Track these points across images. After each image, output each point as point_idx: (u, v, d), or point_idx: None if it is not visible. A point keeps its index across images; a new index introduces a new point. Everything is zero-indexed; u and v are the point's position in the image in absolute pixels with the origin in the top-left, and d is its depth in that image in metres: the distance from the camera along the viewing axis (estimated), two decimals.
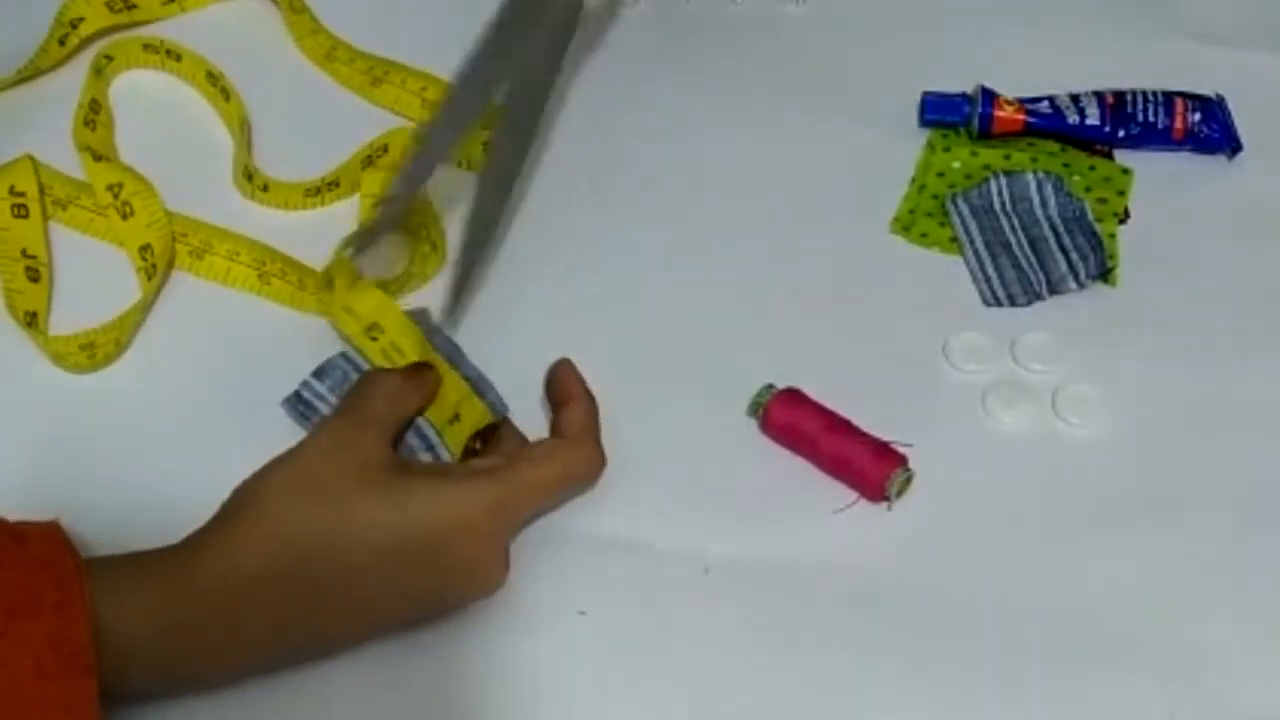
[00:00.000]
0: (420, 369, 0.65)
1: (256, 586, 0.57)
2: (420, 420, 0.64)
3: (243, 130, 0.77)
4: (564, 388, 0.67)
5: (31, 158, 0.72)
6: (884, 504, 0.66)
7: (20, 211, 0.71)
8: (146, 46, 0.79)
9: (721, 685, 0.61)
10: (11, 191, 0.71)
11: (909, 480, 0.67)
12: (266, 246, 0.72)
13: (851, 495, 0.66)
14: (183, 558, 0.58)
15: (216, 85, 0.78)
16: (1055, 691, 0.62)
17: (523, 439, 0.67)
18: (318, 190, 0.75)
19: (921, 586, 0.64)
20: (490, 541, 0.61)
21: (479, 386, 0.67)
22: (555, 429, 0.66)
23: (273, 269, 0.72)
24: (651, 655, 0.62)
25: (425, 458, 0.64)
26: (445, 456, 0.64)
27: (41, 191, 0.72)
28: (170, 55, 0.79)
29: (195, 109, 0.79)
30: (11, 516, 0.56)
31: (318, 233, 0.73)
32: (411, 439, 0.64)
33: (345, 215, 0.76)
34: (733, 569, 0.64)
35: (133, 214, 0.72)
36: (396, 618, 0.61)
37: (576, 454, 0.64)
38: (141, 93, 0.79)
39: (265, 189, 0.75)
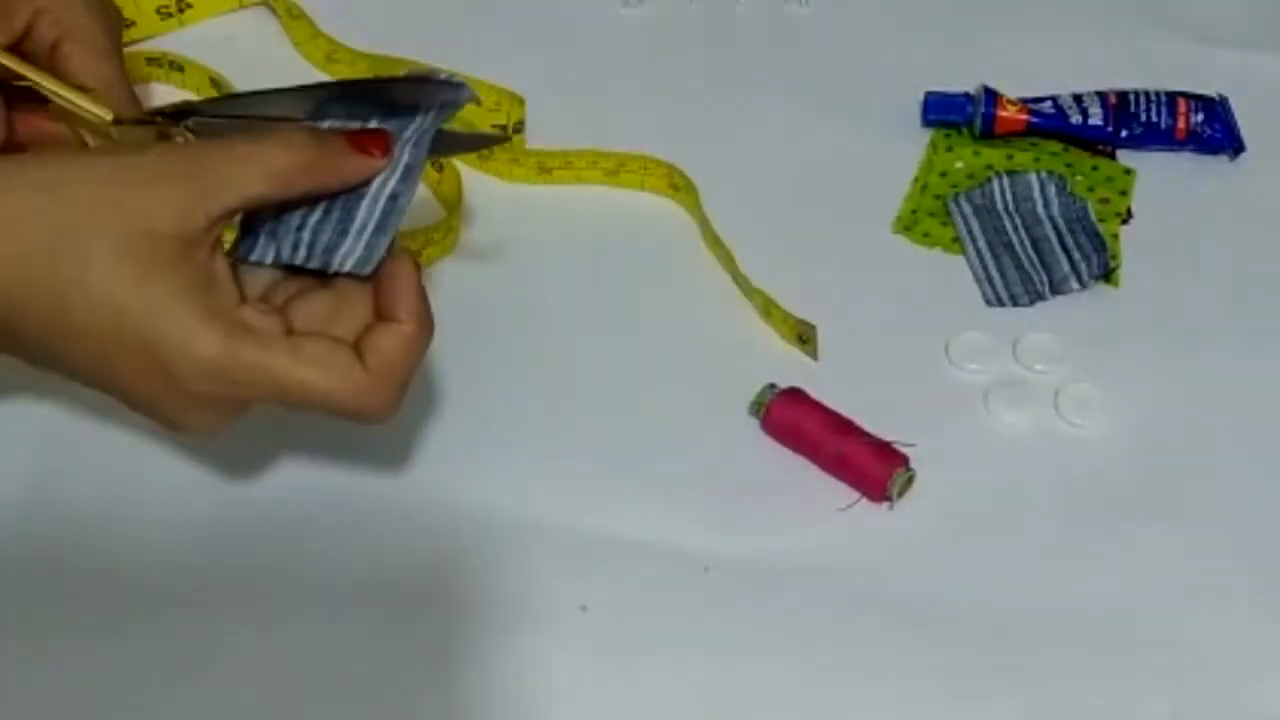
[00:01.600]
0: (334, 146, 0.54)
1: None
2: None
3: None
4: (394, 299, 0.55)
5: None
6: (886, 504, 0.66)
7: None
8: (150, 60, 0.80)
9: (721, 683, 0.61)
10: None
11: (911, 480, 0.67)
12: None
13: (853, 495, 0.66)
14: None
15: (221, 90, 0.79)
16: (1056, 691, 0.62)
17: (355, 308, 0.56)
18: None
19: (923, 586, 0.64)
20: (190, 399, 0.53)
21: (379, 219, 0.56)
22: (361, 342, 0.54)
23: None
24: (652, 652, 0.62)
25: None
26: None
27: None
28: (174, 67, 0.80)
29: None
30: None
31: None
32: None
33: None
34: (734, 568, 0.64)
35: None
36: (85, 384, 0.54)
37: (362, 389, 0.53)
38: (147, 105, 0.79)
39: None
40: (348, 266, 0.55)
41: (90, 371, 0.53)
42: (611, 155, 0.77)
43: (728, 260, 0.73)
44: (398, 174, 0.56)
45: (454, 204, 0.75)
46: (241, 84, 0.78)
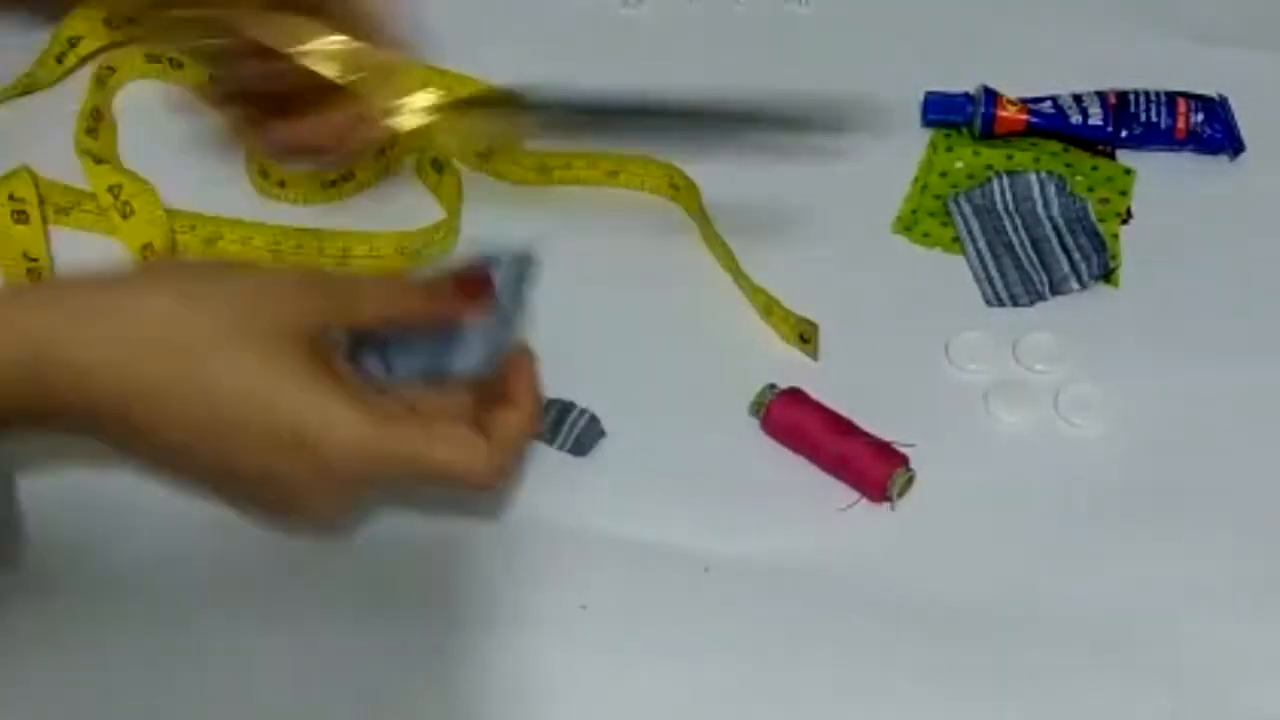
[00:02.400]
0: (405, 288, 0.59)
1: (83, 358, 0.53)
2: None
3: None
4: (516, 388, 0.60)
5: (29, 170, 0.73)
6: (886, 504, 0.66)
7: (20, 217, 0.71)
8: (149, 57, 0.80)
9: (721, 683, 0.61)
10: (11, 198, 0.72)
11: (911, 480, 0.67)
12: (278, 226, 0.73)
13: (853, 495, 0.66)
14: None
15: None
16: (1056, 691, 0.62)
17: (468, 405, 0.60)
18: (334, 183, 0.76)
19: (923, 586, 0.64)
20: (332, 481, 0.56)
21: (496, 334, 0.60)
22: (483, 421, 0.58)
23: (287, 246, 0.73)
24: (652, 652, 0.62)
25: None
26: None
27: (40, 200, 0.72)
28: (173, 64, 0.79)
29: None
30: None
31: (334, 224, 0.74)
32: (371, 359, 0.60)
33: (361, 206, 0.76)
34: (734, 568, 0.64)
35: (133, 213, 0.72)
36: (197, 480, 0.57)
37: (484, 462, 0.57)
38: (145, 102, 0.79)
39: (282, 184, 0.76)
40: (465, 374, 0.60)
41: (206, 465, 0.55)
42: (611, 156, 0.77)
43: (728, 259, 0.73)
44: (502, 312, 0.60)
45: (454, 204, 0.75)
46: None
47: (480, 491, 0.58)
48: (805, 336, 0.70)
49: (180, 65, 0.79)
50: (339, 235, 0.73)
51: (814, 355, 0.71)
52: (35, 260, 0.71)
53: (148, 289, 0.54)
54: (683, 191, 0.76)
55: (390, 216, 0.75)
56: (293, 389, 0.54)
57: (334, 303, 0.56)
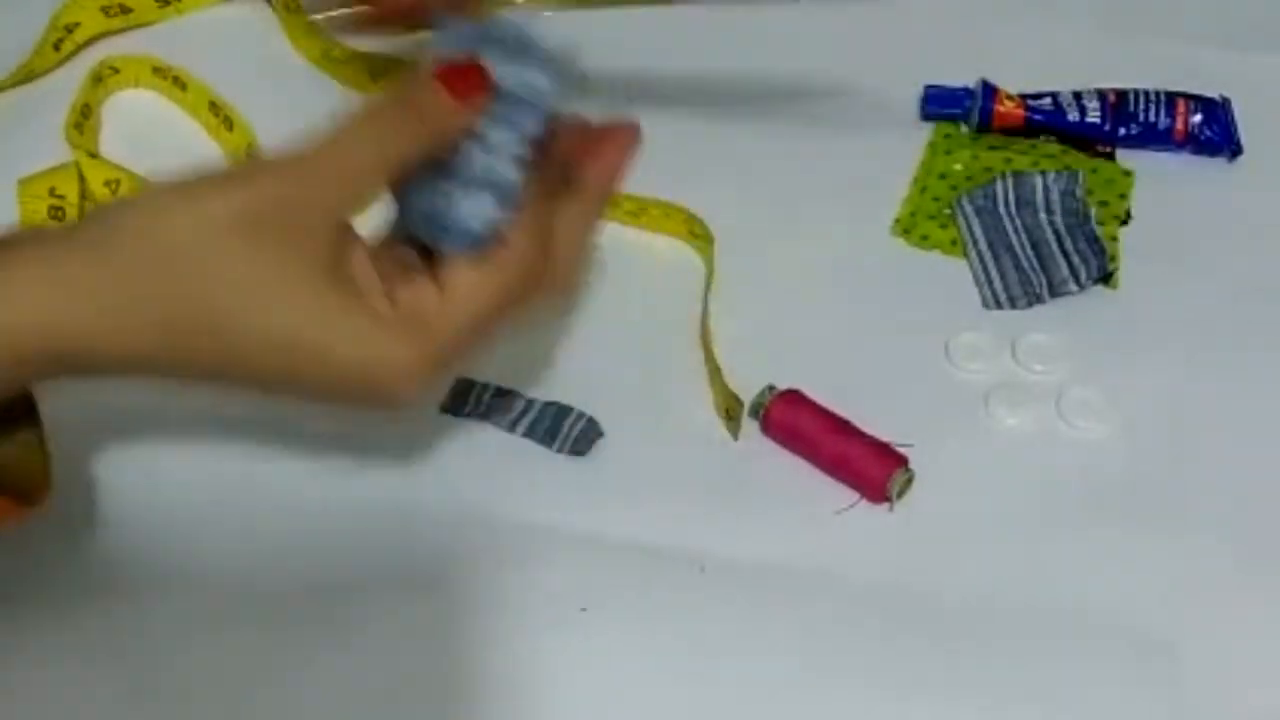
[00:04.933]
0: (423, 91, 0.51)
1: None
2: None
3: (250, 155, 0.76)
4: (584, 166, 0.54)
5: (79, 166, 0.72)
6: (885, 505, 0.66)
7: (56, 213, 0.71)
8: (156, 70, 0.79)
9: (721, 684, 0.61)
10: (51, 193, 0.71)
11: (910, 480, 0.67)
12: None
13: (853, 496, 0.66)
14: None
15: (219, 115, 0.77)
16: (1056, 691, 0.62)
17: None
18: None
19: (922, 587, 0.64)
20: (410, 391, 0.53)
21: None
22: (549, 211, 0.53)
23: None
24: (652, 653, 0.62)
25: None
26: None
27: (83, 199, 0.72)
28: (177, 84, 0.79)
29: (190, 136, 0.78)
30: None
31: None
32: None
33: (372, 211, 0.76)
34: (733, 569, 0.64)
35: None
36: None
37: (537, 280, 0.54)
38: (137, 112, 0.79)
39: None
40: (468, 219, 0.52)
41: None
42: (635, 198, 0.75)
43: (704, 317, 0.72)
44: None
45: None
46: (238, 81, 0.78)
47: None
48: (730, 413, 0.68)
49: (184, 87, 0.79)
50: None
51: (734, 434, 0.68)
52: None
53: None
54: (700, 239, 0.75)
55: None
56: (350, 330, 0.51)
57: (314, 186, 0.50)
